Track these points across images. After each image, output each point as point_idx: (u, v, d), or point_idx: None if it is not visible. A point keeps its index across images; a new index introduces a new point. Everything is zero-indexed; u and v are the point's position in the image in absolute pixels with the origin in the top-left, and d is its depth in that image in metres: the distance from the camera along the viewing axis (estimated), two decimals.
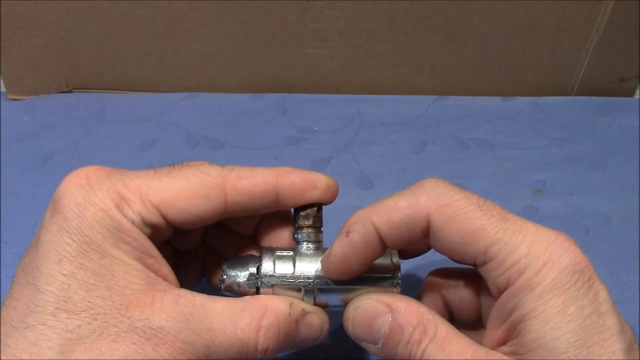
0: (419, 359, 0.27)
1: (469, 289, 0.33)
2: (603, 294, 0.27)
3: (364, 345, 0.29)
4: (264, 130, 0.55)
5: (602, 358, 0.25)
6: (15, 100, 0.58)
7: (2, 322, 0.26)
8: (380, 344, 0.28)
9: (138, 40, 0.55)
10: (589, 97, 0.59)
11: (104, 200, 0.28)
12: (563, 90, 0.60)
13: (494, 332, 0.28)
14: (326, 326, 0.31)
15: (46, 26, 0.54)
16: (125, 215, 0.28)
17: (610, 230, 0.47)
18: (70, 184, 0.28)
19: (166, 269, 0.29)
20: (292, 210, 0.33)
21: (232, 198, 0.30)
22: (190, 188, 0.29)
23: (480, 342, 0.28)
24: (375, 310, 0.29)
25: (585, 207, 0.49)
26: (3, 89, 0.58)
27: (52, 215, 0.28)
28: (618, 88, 0.60)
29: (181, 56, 0.57)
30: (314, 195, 0.31)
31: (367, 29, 0.55)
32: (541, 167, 0.52)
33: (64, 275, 0.26)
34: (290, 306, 0.29)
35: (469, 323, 0.33)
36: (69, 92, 0.59)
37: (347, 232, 0.29)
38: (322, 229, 0.32)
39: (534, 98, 0.59)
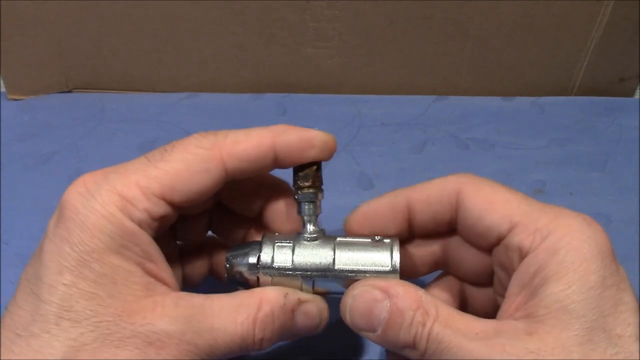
0: (426, 340, 0.27)
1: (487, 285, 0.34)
2: (623, 272, 0.28)
3: (363, 334, 0.30)
4: None
5: (617, 328, 0.26)
6: (15, 100, 0.58)
7: (6, 328, 0.27)
8: (380, 331, 0.28)
9: (138, 40, 0.55)
10: (589, 97, 0.59)
11: (106, 206, 0.28)
12: (563, 90, 0.60)
13: (512, 299, 0.28)
14: (325, 314, 0.32)
15: (46, 26, 0.54)
16: (131, 218, 0.28)
17: (610, 230, 0.46)
18: (71, 192, 0.28)
19: (165, 273, 0.29)
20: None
21: (231, 165, 0.30)
22: (188, 168, 0.29)
23: None
24: (373, 296, 0.29)
25: (585, 207, 0.49)
26: (3, 89, 0.58)
27: (56, 225, 0.28)
28: (618, 88, 0.60)
29: (181, 56, 0.57)
30: (311, 154, 0.31)
31: (367, 29, 0.55)
32: (541, 167, 0.52)
33: (65, 285, 0.27)
34: (285, 297, 0.30)
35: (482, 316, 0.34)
36: (69, 92, 0.59)
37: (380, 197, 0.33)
38: (322, 213, 0.33)
39: (534, 98, 0.59)
